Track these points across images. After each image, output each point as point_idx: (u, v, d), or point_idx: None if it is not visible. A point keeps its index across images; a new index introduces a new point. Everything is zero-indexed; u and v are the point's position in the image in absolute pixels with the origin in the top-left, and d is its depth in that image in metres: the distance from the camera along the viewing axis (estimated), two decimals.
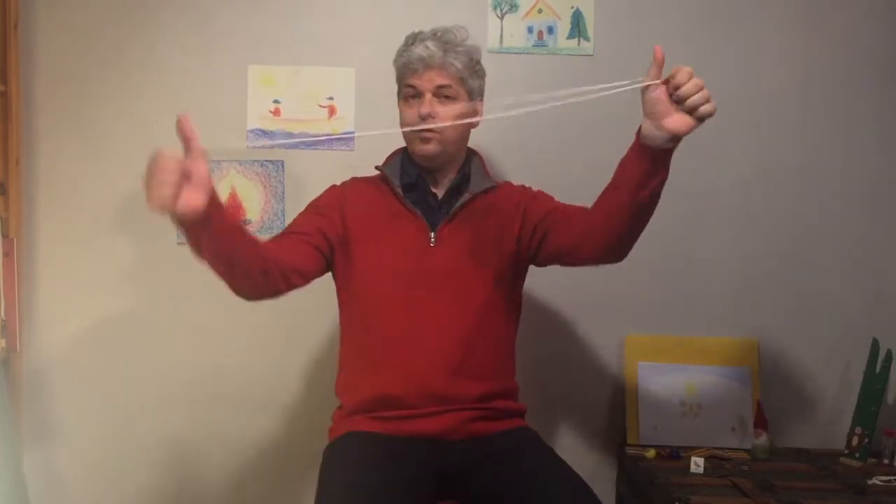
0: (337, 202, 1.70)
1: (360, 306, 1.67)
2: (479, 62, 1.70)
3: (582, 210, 1.62)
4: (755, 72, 2.15)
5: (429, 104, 1.62)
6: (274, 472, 2.16)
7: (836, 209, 2.17)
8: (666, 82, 1.35)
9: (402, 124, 1.67)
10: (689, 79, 1.34)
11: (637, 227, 1.52)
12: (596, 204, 1.55)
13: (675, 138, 1.37)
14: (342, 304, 1.73)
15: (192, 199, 1.21)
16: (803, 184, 2.17)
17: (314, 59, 2.11)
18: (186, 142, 1.23)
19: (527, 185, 1.79)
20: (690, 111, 1.33)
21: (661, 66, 1.37)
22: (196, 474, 2.15)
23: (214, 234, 1.33)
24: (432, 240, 1.66)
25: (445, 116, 1.62)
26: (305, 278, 1.62)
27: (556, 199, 1.74)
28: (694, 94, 1.33)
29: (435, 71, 1.63)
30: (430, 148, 1.65)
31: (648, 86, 1.36)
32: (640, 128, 1.41)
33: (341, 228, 1.67)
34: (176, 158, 1.20)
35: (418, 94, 1.64)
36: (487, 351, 1.66)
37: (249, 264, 1.45)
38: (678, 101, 1.34)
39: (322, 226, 1.66)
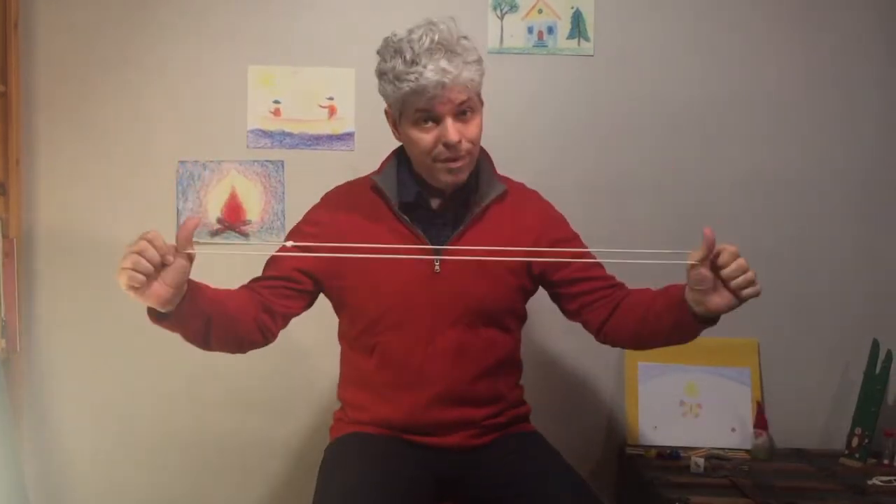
0: (321, 230, 1.56)
1: (360, 332, 1.60)
2: (480, 57, 1.50)
3: (609, 292, 1.58)
4: (755, 72, 2.15)
5: (455, 131, 1.44)
6: (274, 472, 2.16)
7: (836, 209, 2.17)
8: (712, 260, 1.33)
9: (417, 151, 1.49)
10: (733, 260, 1.31)
11: (665, 346, 1.55)
12: (629, 314, 1.53)
13: (717, 315, 1.37)
14: (341, 323, 1.66)
15: (160, 291, 1.24)
16: (803, 184, 2.17)
17: (314, 59, 2.11)
18: (183, 238, 1.25)
19: (553, 209, 1.67)
20: (734, 291, 1.32)
21: (710, 247, 1.31)
22: (196, 474, 2.15)
23: (184, 323, 1.34)
24: (437, 266, 1.53)
25: (472, 136, 1.47)
26: (289, 320, 1.58)
27: (555, 205, 1.68)
28: (737, 278, 1.31)
29: (456, 92, 1.43)
30: (462, 177, 1.51)
31: (694, 264, 1.33)
32: (685, 287, 1.39)
33: (328, 262, 1.51)
34: (161, 246, 1.23)
35: (434, 118, 1.45)
36: (496, 375, 1.61)
37: (226, 339, 1.45)
38: (722, 280, 1.33)
39: (302, 264, 1.53)
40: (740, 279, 1.31)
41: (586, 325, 1.62)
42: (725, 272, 1.31)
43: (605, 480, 2.14)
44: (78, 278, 2.11)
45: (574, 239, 1.65)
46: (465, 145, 1.47)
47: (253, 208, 2.12)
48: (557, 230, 1.64)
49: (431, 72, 1.39)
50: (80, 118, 2.10)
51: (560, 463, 1.59)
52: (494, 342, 1.60)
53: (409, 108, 1.46)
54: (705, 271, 1.33)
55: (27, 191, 2.08)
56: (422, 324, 1.54)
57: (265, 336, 1.52)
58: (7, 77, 2.01)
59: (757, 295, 1.32)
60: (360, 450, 1.57)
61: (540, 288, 1.68)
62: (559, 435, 2.13)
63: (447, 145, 1.45)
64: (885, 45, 2.15)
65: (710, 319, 1.39)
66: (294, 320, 2.13)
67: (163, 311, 1.29)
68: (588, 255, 1.63)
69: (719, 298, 1.34)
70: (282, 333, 2.12)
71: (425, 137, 1.46)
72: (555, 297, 1.66)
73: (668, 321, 1.45)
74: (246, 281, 1.56)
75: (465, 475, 1.58)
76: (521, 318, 1.68)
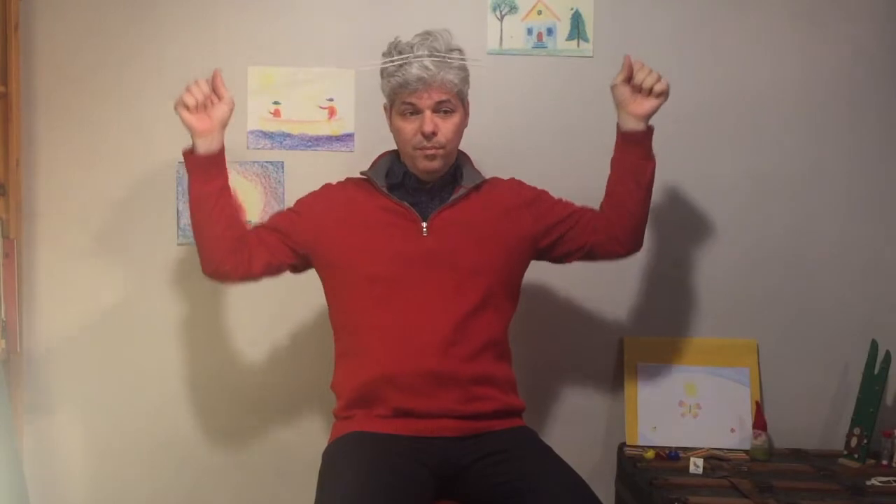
0: (321, 203, 1.76)
1: (350, 294, 1.69)
2: (466, 68, 1.71)
3: (592, 210, 1.80)
4: (755, 73, 2.15)
5: (431, 122, 1.64)
6: (274, 473, 2.16)
7: (836, 210, 2.17)
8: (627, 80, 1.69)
9: (401, 139, 1.70)
10: (641, 67, 1.67)
11: (646, 211, 1.78)
12: (605, 203, 1.78)
13: (642, 119, 1.69)
14: (331, 297, 1.75)
15: (200, 120, 1.62)
16: (803, 184, 2.17)
17: (314, 60, 2.12)
18: (217, 90, 1.65)
19: (516, 179, 1.84)
20: (649, 93, 1.66)
21: (628, 67, 1.69)
22: (196, 474, 2.15)
23: (206, 180, 1.64)
24: (424, 230, 1.69)
25: (447, 131, 1.67)
26: (271, 269, 1.74)
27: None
28: (645, 77, 1.66)
29: (434, 89, 1.64)
30: (436, 164, 1.69)
31: (616, 86, 1.71)
32: (617, 125, 1.73)
33: (317, 228, 1.71)
34: (208, 84, 1.64)
35: (417, 111, 1.66)
36: (480, 333, 1.67)
37: (223, 229, 1.67)
38: (639, 90, 1.67)
39: (295, 227, 1.73)
40: (648, 79, 1.66)
41: (607, 248, 1.79)
42: (636, 78, 1.67)
43: (604, 481, 2.14)
44: (78, 279, 2.11)
45: (542, 191, 1.83)
46: (440, 139, 1.67)
47: (253, 209, 2.11)
48: (530, 189, 1.82)
49: (415, 69, 1.63)
50: (80, 119, 2.10)
51: (558, 462, 1.60)
52: (481, 304, 1.67)
53: (398, 100, 1.68)
54: (623, 89, 1.70)
55: (27, 191, 2.08)
56: (408, 279, 1.66)
57: (238, 252, 1.69)
58: (7, 78, 2.01)
59: (664, 89, 1.67)
60: (359, 450, 1.58)
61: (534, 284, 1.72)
62: (558, 435, 2.15)
63: (424, 134, 1.65)
64: (886, 45, 2.15)
65: (645, 129, 1.70)
66: (295, 321, 2.15)
67: (201, 148, 1.62)
68: (562, 202, 1.83)
69: (638, 103, 1.69)
70: (281, 333, 2.14)
71: (407, 127, 1.68)
72: (568, 244, 1.79)
73: (624, 165, 1.75)
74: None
75: (463, 472, 1.59)
76: (510, 291, 1.76)
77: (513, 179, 1.84)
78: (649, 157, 1.73)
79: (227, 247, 1.67)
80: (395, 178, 1.74)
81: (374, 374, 1.64)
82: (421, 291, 1.65)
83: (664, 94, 1.67)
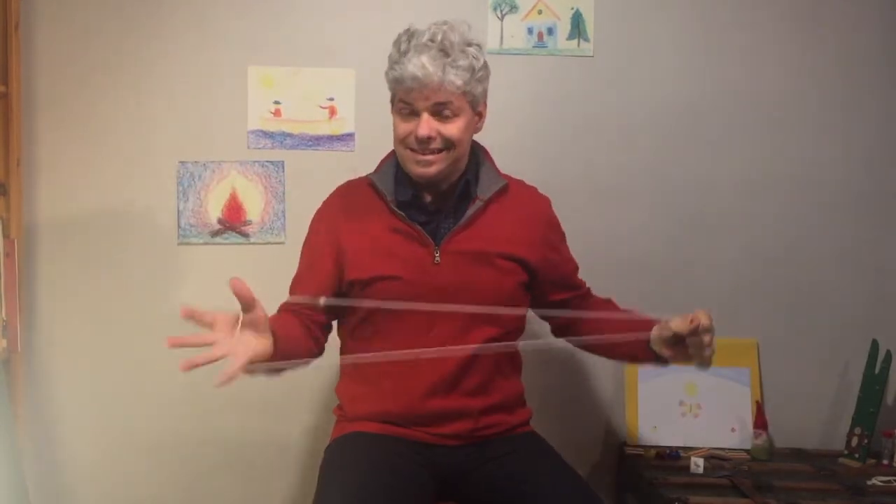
0: (327, 241, 1.61)
1: (361, 321, 1.61)
2: (481, 67, 1.53)
3: (580, 304, 1.74)
4: (756, 72, 2.15)
5: (427, 126, 1.49)
6: (274, 472, 2.16)
7: (836, 209, 2.17)
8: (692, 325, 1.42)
9: (395, 137, 1.56)
10: (709, 330, 1.41)
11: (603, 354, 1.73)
12: (591, 328, 1.68)
13: (665, 353, 1.49)
14: (340, 317, 1.67)
15: (257, 347, 1.29)
16: (803, 184, 2.17)
17: (314, 60, 2.12)
18: (248, 300, 1.27)
19: (549, 201, 1.72)
20: (691, 347, 1.43)
21: (694, 330, 1.42)
22: (196, 474, 2.15)
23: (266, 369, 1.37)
24: (436, 257, 1.57)
25: (448, 134, 1.51)
26: (330, 328, 1.65)
27: (555, 206, 1.73)
28: (703, 345, 1.41)
29: (431, 90, 1.47)
30: (431, 171, 1.53)
31: (673, 322, 1.45)
32: (651, 333, 1.51)
33: (338, 263, 1.59)
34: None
35: (414, 112, 1.51)
36: (493, 366, 1.61)
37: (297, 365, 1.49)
38: (691, 334, 1.42)
39: (323, 282, 1.60)
40: (704, 350, 1.42)
41: (551, 322, 1.77)
42: (701, 338, 1.41)
43: (605, 480, 2.14)
44: (78, 278, 2.11)
45: (564, 241, 1.75)
46: (438, 143, 1.51)
47: (253, 208, 2.12)
48: (555, 231, 1.72)
49: (412, 66, 1.46)
50: (80, 119, 2.10)
51: (560, 463, 1.59)
52: (495, 331, 1.60)
53: (396, 96, 1.54)
54: (679, 327, 1.44)
55: (28, 191, 2.08)
56: (421, 313, 1.53)
57: (321, 350, 1.60)
58: (8, 78, 2.01)
59: (708, 359, 1.43)
60: (360, 449, 1.57)
61: None
62: (559, 435, 2.14)
63: (417, 138, 1.50)
64: (886, 46, 2.15)
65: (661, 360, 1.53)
66: None
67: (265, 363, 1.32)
68: (573, 261, 1.75)
69: (674, 349, 1.48)
70: None
71: (402, 126, 1.53)
72: (544, 304, 1.72)
73: (625, 352, 1.60)
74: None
75: (464, 475, 1.59)
76: (523, 306, 1.68)
77: (548, 205, 1.71)
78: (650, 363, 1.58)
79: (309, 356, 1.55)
80: (404, 195, 1.57)
81: (379, 409, 1.60)
82: (430, 324, 1.55)
83: (700, 364, 1.45)
